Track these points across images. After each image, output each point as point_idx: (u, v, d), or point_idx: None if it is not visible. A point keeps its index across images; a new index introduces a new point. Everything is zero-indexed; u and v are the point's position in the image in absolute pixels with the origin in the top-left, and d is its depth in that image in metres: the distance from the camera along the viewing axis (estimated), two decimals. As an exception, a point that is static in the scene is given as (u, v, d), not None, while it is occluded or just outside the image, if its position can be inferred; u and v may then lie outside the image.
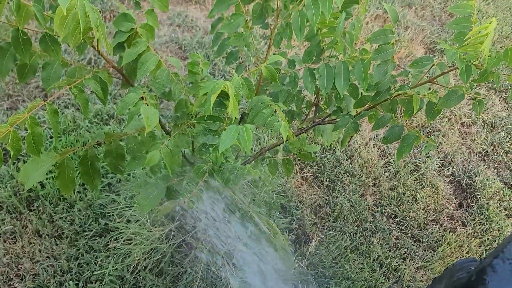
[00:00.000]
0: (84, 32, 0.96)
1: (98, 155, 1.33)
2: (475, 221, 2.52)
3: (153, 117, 1.09)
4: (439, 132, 2.95)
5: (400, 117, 2.68)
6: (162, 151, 1.21)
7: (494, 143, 3.00)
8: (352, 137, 1.53)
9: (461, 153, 2.88)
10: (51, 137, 2.22)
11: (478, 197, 2.64)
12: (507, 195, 2.69)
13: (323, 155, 2.59)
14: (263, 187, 2.01)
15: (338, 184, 2.49)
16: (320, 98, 1.60)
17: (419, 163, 2.72)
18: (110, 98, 2.56)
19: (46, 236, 1.90)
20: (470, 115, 3.11)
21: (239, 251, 1.82)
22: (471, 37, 1.00)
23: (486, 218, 2.54)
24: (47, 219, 1.94)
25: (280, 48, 1.47)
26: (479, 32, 0.99)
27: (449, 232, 2.43)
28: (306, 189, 2.43)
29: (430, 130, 2.96)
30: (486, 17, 4.09)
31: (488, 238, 2.45)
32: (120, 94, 2.60)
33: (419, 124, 2.97)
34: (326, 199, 2.41)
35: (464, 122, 3.07)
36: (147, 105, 1.13)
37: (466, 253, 2.36)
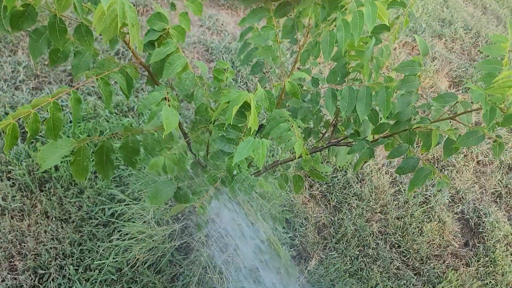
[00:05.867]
0: (119, 28, 0.98)
1: (114, 146, 1.36)
2: (479, 262, 2.47)
3: (173, 119, 1.11)
4: (453, 167, 2.91)
5: (417, 146, 2.66)
6: (166, 157, 1.24)
7: (509, 185, 2.95)
8: (366, 162, 1.53)
9: (473, 192, 2.84)
10: (70, 122, 2.26)
11: (486, 238, 2.59)
12: (515, 240, 2.64)
13: (333, 175, 2.58)
14: (271, 200, 2.01)
15: (345, 206, 2.48)
16: (339, 119, 1.61)
17: (429, 195, 2.69)
18: (132, 91, 2.60)
19: (54, 218, 1.93)
20: (487, 154, 3.07)
21: (239, 259, 1.82)
22: (499, 80, 0.99)
23: (491, 261, 2.50)
24: (56, 201, 1.98)
25: (305, 65, 1.48)
26: (509, 76, 0.98)
27: (451, 269, 2.39)
28: (313, 207, 2.42)
29: (445, 164, 2.93)
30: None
31: (490, 282, 2.40)
32: (143, 88, 2.64)
33: (434, 157, 2.94)
34: (331, 220, 2.40)
35: (480, 160, 3.03)
36: (169, 106, 1.15)
37: (466, 293, 2.32)
